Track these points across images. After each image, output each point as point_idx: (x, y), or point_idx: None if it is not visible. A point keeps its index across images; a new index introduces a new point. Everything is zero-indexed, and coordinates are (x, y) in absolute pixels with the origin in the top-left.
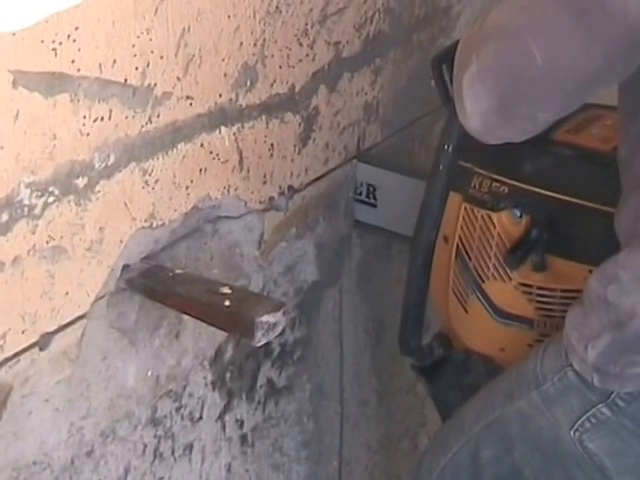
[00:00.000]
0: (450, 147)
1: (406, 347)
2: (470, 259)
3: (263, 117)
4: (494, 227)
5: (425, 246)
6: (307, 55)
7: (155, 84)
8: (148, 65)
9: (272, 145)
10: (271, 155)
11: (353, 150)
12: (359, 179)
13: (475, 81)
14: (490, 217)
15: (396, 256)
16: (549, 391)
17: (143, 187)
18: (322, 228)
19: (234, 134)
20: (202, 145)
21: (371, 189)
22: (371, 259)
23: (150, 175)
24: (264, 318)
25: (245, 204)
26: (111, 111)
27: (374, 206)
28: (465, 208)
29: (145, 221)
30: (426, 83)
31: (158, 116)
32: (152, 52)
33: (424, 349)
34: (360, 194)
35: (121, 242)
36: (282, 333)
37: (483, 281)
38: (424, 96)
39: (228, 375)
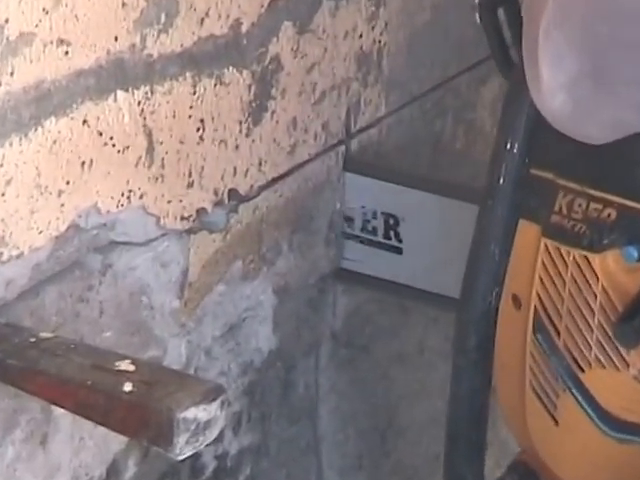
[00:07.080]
0: (516, 146)
1: None
2: (559, 334)
3: (187, 75)
4: (596, 277)
5: (480, 315)
6: None
7: (7, 20)
8: None
9: (202, 122)
10: (200, 139)
11: (339, 130)
12: (350, 194)
13: (552, 31)
14: (589, 261)
15: (412, 313)
16: None
17: None
18: (287, 263)
19: (139, 104)
20: (85, 122)
21: (379, 216)
22: (368, 315)
23: None
24: (189, 413)
25: (157, 221)
26: None
27: (397, 250)
28: (546, 247)
29: None
30: (465, 18)
31: (12, 74)
32: None
33: None
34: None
35: None
36: (219, 438)
37: (582, 370)
38: (461, 40)
39: None
